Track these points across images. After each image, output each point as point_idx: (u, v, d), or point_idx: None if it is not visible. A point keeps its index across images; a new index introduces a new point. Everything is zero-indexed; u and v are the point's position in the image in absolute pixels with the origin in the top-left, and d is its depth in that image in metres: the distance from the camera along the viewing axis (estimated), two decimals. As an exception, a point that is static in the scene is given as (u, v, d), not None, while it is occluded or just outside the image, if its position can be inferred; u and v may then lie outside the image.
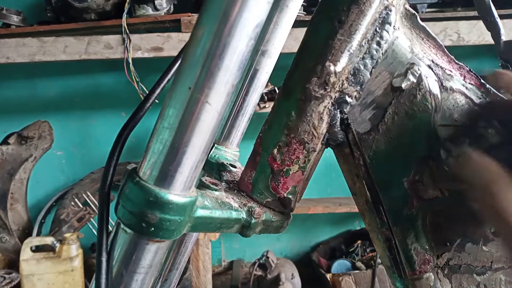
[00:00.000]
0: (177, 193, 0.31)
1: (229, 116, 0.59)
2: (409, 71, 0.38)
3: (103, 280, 0.32)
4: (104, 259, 0.32)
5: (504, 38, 0.43)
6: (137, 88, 1.63)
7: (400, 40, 0.38)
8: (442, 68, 0.39)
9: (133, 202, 0.31)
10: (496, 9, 0.47)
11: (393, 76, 0.38)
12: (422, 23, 0.40)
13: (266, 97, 1.71)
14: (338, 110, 0.38)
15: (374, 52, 0.38)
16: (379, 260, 1.83)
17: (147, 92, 0.37)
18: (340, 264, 1.99)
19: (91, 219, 1.91)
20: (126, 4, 1.57)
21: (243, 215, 0.39)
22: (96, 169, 2.01)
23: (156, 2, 1.58)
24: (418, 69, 0.38)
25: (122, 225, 0.32)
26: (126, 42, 1.57)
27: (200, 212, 0.34)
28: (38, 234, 1.92)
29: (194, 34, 0.29)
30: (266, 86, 0.70)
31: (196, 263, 1.70)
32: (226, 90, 0.29)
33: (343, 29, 0.37)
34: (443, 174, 0.39)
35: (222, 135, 0.59)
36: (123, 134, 0.36)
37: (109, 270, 0.32)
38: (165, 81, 0.38)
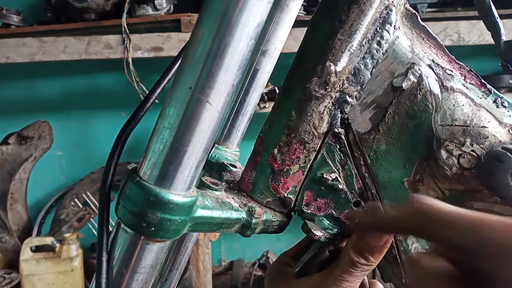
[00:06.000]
0: (178, 193, 0.31)
1: (229, 116, 0.59)
2: (409, 71, 0.38)
3: (104, 280, 0.32)
4: (104, 259, 0.32)
5: (504, 38, 0.42)
6: (137, 88, 1.62)
7: (400, 40, 0.38)
8: (442, 68, 0.39)
9: (133, 202, 0.31)
10: (496, 9, 0.47)
11: (393, 76, 0.38)
12: (422, 23, 0.40)
13: (266, 97, 1.71)
14: (339, 110, 0.38)
15: (375, 52, 0.38)
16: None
17: (147, 92, 0.37)
18: (340, 264, 1.98)
19: (91, 219, 1.90)
20: (126, 4, 1.57)
21: (243, 215, 0.39)
22: (96, 169, 2.01)
23: (156, 2, 1.58)
24: (419, 69, 0.38)
25: (122, 225, 0.32)
26: (126, 42, 1.56)
27: (201, 212, 0.34)
28: (38, 234, 1.92)
29: (195, 34, 0.29)
30: (266, 86, 0.70)
31: (196, 263, 1.70)
32: (226, 90, 0.29)
33: (344, 28, 0.37)
34: (444, 174, 0.39)
35: (222, 135, 0.59)
36: (123, 134, 0.36)
37: (109, 270, 0.32)
38: (165, 81, 0.38)
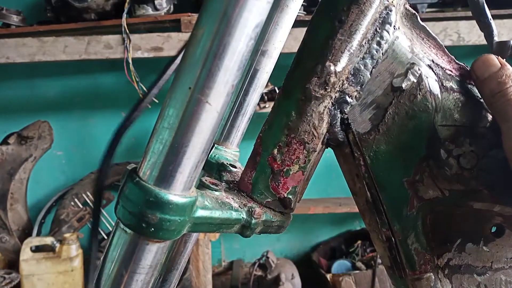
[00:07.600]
0: (177, 193, 0.31)
1: (229, 116, 0.59)
2: (409, 71, 0.38)
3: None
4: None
5: (496, 38, 0.42)
6: (137, 88, 1.63)
7: (400, 40, 0.38)
8: (442, 68, 0.39)
9: (133, 202, 0.31)
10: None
11: (393, 76, 0.38)
12: (422, 23, 0.40)
13: (266, 97, 1.71)
14: (339, 110, 0.38)
15: (374, 52, 0.37)
16: (379, 260, 1.83)
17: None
18: (340, 264, 1.99)
19: (91, 219, 1.90)
20: (126, 4, 1.57)
21: (243, 215, 0.39)
22: (96, 169, 2.01)
23: (156, 2, 1.58)
24: (419, 69, 0.38)
25: (122, 225, 0.32)
26: (126, 42, 1.57)
27: (200, 212, 0.34)
28: (38, 234, 1.92)
29: (194, 34, 0.29)
30: (266, 86, 0.70)
31: (196, 263, 1.70)
32: (226, 90, 0.29)
33: (343, 29, 0.36)
34: (444, 174, 0.39)
35: (222, 135, 0.59)
36: (119, 133, 0.35)
37: (108, 271, 0.32)
38: (163, 82, 0.38)
